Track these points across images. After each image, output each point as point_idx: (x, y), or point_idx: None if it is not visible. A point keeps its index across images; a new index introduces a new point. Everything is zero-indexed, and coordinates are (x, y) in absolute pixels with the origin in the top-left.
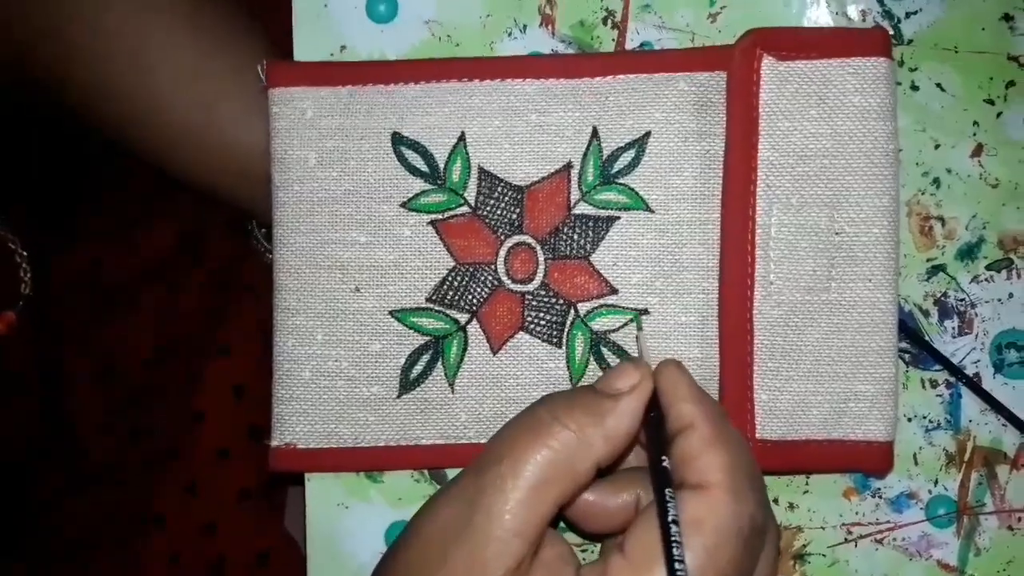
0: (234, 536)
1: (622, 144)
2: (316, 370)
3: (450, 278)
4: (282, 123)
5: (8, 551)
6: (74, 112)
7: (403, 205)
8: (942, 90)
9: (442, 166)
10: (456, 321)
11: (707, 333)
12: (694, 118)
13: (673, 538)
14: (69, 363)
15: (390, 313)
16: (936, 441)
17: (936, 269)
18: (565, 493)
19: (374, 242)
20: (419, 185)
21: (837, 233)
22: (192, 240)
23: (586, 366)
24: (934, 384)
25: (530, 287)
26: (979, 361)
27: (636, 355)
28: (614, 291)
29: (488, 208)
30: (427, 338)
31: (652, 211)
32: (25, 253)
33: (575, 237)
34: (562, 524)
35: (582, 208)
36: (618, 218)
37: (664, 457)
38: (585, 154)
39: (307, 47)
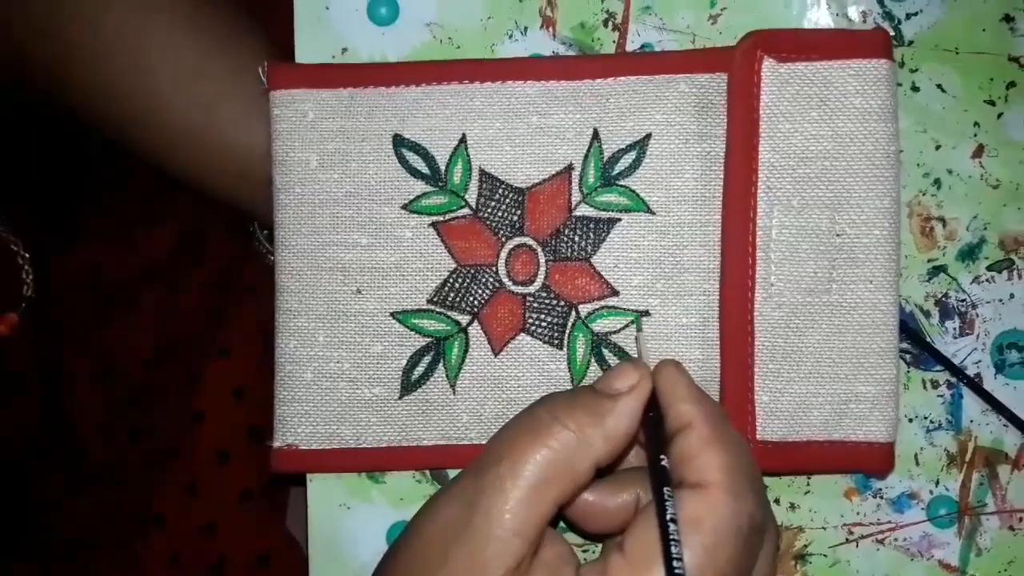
0: (234, 537)
1: (623, 146)
2: (318, 371)
3: (451, 280)
4: (283, 125)
5: (8, 551)
6: (74, 112)
7: (404, 207)
8: (943, 91)
9: (443, 168)
10: (457, 323)
11: (708, 335)
12: (695, 120)
13: (672, 536)
14: (69, 363)
15: (391, 315)
16: (937, 441)
17: (937, 270)
18: (564, 493)
19: (375, 244)
20: (420, 187)
21: (838, 235)
22: (192, 240)
23: (587, 368)
24: (935, 385)
25: (531, 289)
26: (980, 362)
27: (637, 356)
28: (615, 293)
29: (489, 210)
30: (428, 340)
31: (653, 213)
32: (27, 255)
33: (576, 239)
34: (563, 524)
35: (583, 210)
36: (619, 220)
37: (663, 456)
38: (586, 156)
39: (309, 49)
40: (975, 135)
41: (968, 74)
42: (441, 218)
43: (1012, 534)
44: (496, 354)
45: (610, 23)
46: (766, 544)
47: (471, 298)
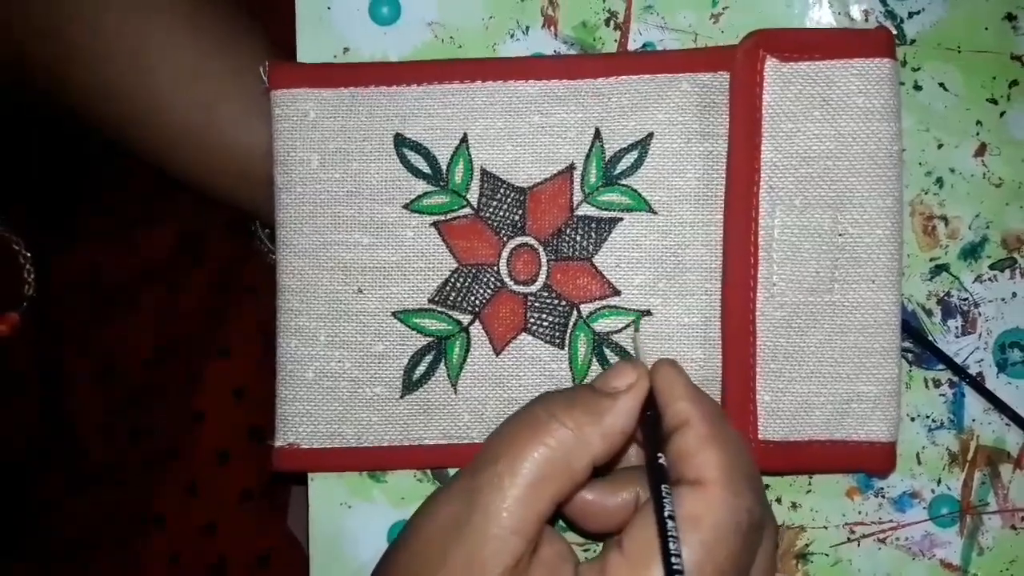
0: (234, 536)
1: (625, 145)
2: (319, 371)
3: (453, 279)
4: (284, 125)
5: (8, 551)
6: (74, 112)
7: (406, 207)
8: (945, 90)
9: (444, 167)
10: (459, 322)
11: (710, 334)
12: (697, 119)
13: (670, 533)
14: (69, 363)
15: (393, 314)
16: (939, 440)
17: (939, 269)
18: (562, 491)
19: (377, 243)
20: (422, 187)
21: (840, 234)
22: (192, 240)
23: (588, 367)
24: (937, 384)
25: (532, 288)
26: (982, 360)
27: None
28: (617, 292)
29: (491, 209)
30: (430, 339)
31: (655, 212)
32: (29, 255)
33: (578, 238)
34: (562, 523)
35: (585, 209)
36: (621, 219)
37: (660, 454)
38: (588, 155)
39: (310, 49)
40: (977, 134)
41: (970, 73)
42: (442, 217)
43: (1014, 533)
44: (497, 354)
45: (612, 22)
46: (765, 541)
47: (472, 298)
